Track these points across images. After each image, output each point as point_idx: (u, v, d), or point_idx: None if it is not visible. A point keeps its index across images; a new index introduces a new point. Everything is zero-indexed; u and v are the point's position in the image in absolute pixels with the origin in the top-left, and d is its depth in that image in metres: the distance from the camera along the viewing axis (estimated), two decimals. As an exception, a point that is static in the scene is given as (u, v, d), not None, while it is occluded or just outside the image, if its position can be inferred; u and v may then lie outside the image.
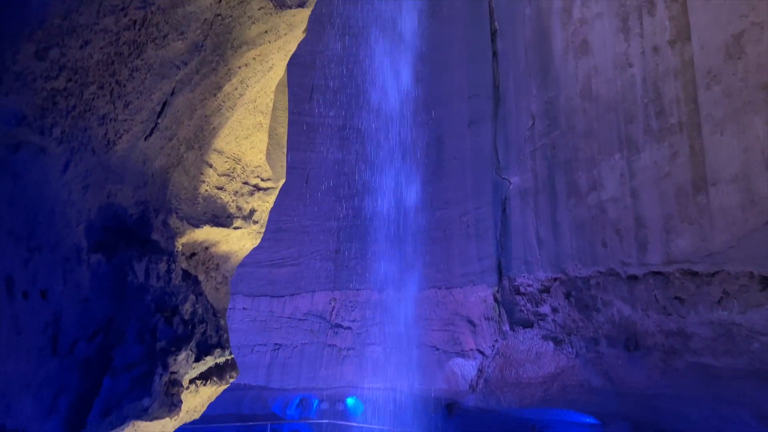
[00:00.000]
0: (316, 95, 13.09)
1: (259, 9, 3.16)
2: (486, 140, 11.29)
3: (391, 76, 12.98)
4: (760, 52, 7.35)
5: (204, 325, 3.45)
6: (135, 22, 2.37)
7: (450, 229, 11.22)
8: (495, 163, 11.03)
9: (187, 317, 3.30)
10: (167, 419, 3.23)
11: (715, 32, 7.93)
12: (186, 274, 3.43)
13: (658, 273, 8.29)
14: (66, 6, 2.00)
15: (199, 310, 3.45)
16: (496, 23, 12.10)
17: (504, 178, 10.76)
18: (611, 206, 9.02)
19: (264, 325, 11.48)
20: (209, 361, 3.79)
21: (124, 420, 2.97)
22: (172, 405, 3.23)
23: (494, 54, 11.89)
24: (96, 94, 2.44)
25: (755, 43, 7.44)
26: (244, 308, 11.47)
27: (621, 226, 8.86)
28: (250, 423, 11.74)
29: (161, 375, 3.15)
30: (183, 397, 3.47)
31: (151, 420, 3.13)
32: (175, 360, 3.25)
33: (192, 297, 3.41)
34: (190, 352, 3.41)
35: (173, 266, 3.33)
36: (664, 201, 8.29)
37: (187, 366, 3.42)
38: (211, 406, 4.82)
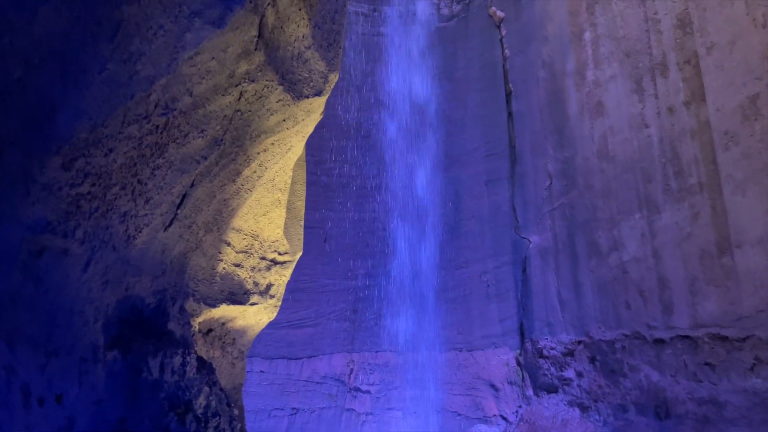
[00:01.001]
0: (334, 155, 13.32)
1: (277, 101, 3.26)
2: (503, 199, 11.30)
3: (409, 136, 13.20)
4: (777, 112, 7.35)
5: (217, 418, 3.40)
6: (157, 126, 2.46)
7: (470, 289, 11.09)
8: (514, 222, 10.99)
9: (200, 412, 3.28)
10: None
11: (730, 94, 7.96)
12: (201, 363, 3.41)
13: (686, 337, 8.04)
14: (92, 122, 2.09)
15: (213, 403, 3.43)
16: (510, 85, 12.33)
17: (523, 237, 10.69)
18: (633, 267, 8.87)
19: (281, 388, 11.30)
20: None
21: None
22: None
23: (509, 114, 12.06)
24: (118, 194, 2.51)
25: (772, 105, 7.44)
26: (261, 371, 11.32)
27: (644, 287, 8.68)
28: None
29: (174, 479, 3.10)
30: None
31: None
32: (188, 462, 3.21)
33: (206, 389, 3.39)
34: (203, 449, 3.38)
35: (188, 359, 3.31)
36: (687, 262, 8.13)
37: (198, 463, 3.36)
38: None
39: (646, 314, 8.57)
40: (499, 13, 13.38)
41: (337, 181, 13.02)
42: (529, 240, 10.54)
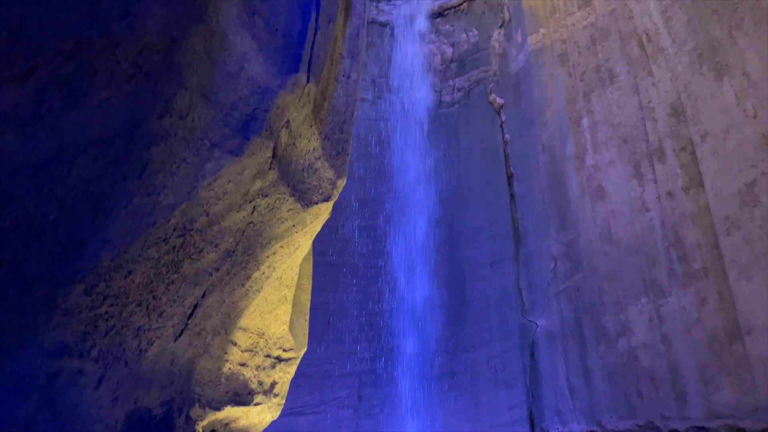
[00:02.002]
0: (339, 235, 13.46)
1: (288, 211, 3.40)
2: (509, 281, 11.30)
3: (413, 216, 13.39)
4: (775, 200, 7.47)
5: None
6: (174, 246, 2.58)
7: (477, 375, 10.88)
8: (520, 305, 10.93)
9: None
10: None
11: (727, 180, 8.14)
12: None
13: (702, 428, 7.79)
14: (116, 251, 2.19)
15: None
16: (511, 168, 12.64)
17: (530, 321, 10.60)
18: (643, 353, 8.73)
19: None
20: None
21: None
22: None
23: (512, 196, 12.28)
24: (133, 311, 2.59)
25: (769, 192, 7.59)
26: None
27: (656, 375, 8.50)
28: None
29: None
30: None
31: None
32: None
33: None
34: None
35: None
36: (698, 349, 8.02)
37: None
38: None
39: (660, 403, 8.35)
40: (499, 100, 13.93)
41: (340, 260, 13.09)
42: (536, 323, 10.45)
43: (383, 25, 16.46)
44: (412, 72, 15.96)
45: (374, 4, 15.97)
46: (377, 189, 13.90)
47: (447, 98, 15.44)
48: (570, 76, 11.87)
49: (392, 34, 16.55)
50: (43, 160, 1.68)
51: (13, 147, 1.57)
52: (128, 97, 1.85)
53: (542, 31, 12.55)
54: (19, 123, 1.52)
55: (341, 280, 13.01)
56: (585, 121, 11.11)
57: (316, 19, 3.10)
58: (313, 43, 3.05)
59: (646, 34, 10.36)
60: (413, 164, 14.02)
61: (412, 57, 16.13)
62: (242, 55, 2.46)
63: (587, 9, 11.95)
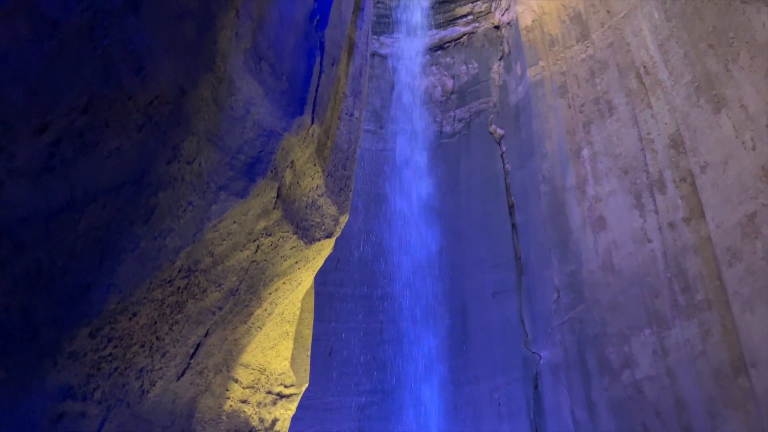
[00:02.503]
0: (341, 265, 13.43)
1: (291, 248, 3.44)
2: (511, 311, 11.24)
3: (415, 246, 13.38)
4: (776, 232, 7.49)
5: None
6: (179, 288, 2.60)
7: (480, 408, 10.73)
8: (523, 336, 10.86)
9: None
10: None
11: (728, 211, 8.17)
12: None
13: (710, 464, 7.66)
14: (122, 294, 2.22)
15: None
16: (512, 197, 12.70)
17: (533, 352, 10.51)
18: (648, 386, 8.64)
19: None
20: None
21: None
22: None
23: (513, 226, 12.31)
24: (137, 352, 2.60)
25: (770, 224, 7.60)
26: None
27: (661, 408, 8.40)
28: None
29: None
30: None
31: None
32: None
33: None
34: None
35: None
36: (703, 382, 7.94)
37: None
38: None
39: (666, 437, 8.23)
40: (499, 131, 14.07)
41: (342, 291, 13.04)
42: (539, 355, 10.36)
43: (384, 57, 16.72)
44: (413, 103, 16.15)
45: (376, 37, 16.26)
46: (378, 218, 13.94)
47: (448, 129, 15.59)
48: (569, 108, 12.00)
49: (393, 66, 16.79)
50: (54, 208, 1.72)
51: (25, 197, 1.61)
52: (138, 146, 1.90)
53: (541, 63, 12.74)
54: (32, 174, 1.57)
55: (342, 310, 12.95)
56: (585, 152, 11.21)
57: (321, 63, 3.19)
58: (317, 85, 3.13)
59: (644, 67, 10.52)
60: (415, 193, 14.09)
61: (413, 88, 16.34)
62: (248, 99, 2.53)
63: (585, 42, 12.15)
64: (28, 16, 1.26)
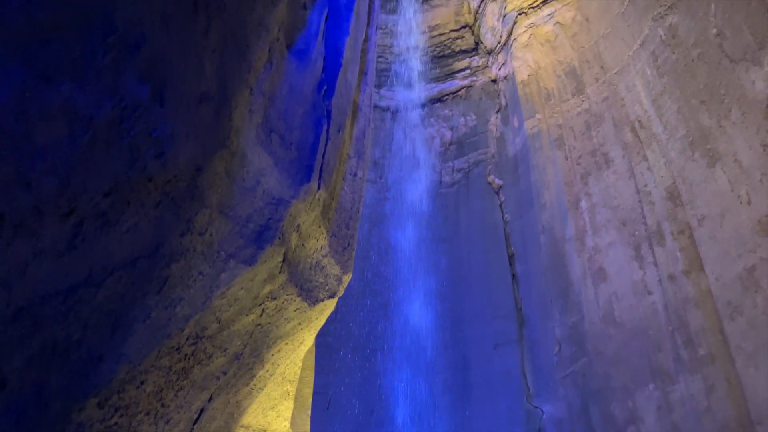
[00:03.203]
0: (339, 316, 13.35)
1: (294, 310, 3.48)
2: (513, 364, 11.12)
3: (415, 295, 13.34)
4: (775, 286, 7.51)
5: None
6: (186, 354, 2.63)
7: (483, 465, 10.47)
8: (525, 390, 10.70)
9: None
10: None
11: (727, 264, 8.21)
12: None
13: None
14: (132, 364, 2.25)
15: None
16: (512, 247, 12.76)
17: (536, 407, 10.34)
18: (654, 442, 8.48)
19: None
20: None
21: None
22: None
23: (513, 276, 12.31)
24: (142, 420, 2.59)
25: (769, 278, 7.63)
26: None
27: (668, 466, 8.22)
28: None
29: None
30: None
31: None
32: None
33: None
34: None
35: None
36: (710, 439, 7.80)
37: None
38: None
39: (674, 497, 8.02)
40: (498, 181, 14.27)
41: (338, 342, 12.91)
42: (542, 410, 10.19)
43: (385, 109, 17.10)
44: (413, 154, 16.41)
45: (376, 90, 16.68)
46: (378, 269, 13.95)
47: (447, 179, 15.79)
48: (567, 160, 12.22)
49: (393, 118, 17.15)
50: (73, 285, 1.78)
51: (47, 276, 1.68)
52: (154, 221, 1.98)
53: (538, 116, 13.04)
54: (56, 254, 1.64)
55: (340, 361, 12.79)
56: (583, 204, 11.34)
57: (327, 131, 3.32)
58: (324, 152, 3.25)
59: (639, 121, 10.77)
60: (415, 242, 14.15)
61: (413, 139, 16.63)
62: (259, 170, 2.63)
63: (581, 96, 12.47)
64: (66, 116, 1.36)
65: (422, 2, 16.86)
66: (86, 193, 1.53)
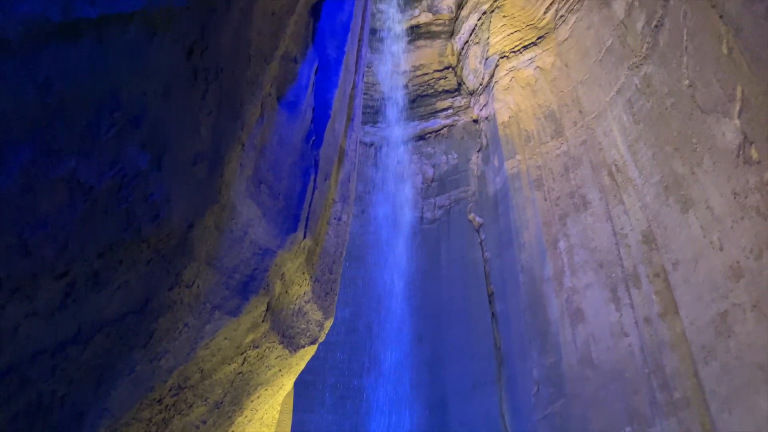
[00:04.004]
0: (315, 353, 13.18)
1: (276, 358, 3.49)
2: (492, 404, 11.08)
3: (394, 331, 13.28)
4: (747, 332, 7.66)
5: None
6: (167, 405, 2.62)
7: None
8: (503, 431, 10.64)
9: None
10: None
11: (701, 308, 8.37)
12: None
13: None
14: (114, 418, 2.25)
15: None
16: (492, 285, 12.85)
17: (514, 449, 10.28)
18: (631, 487, 8.47)
19: None
20: None
21: None
22: None
23: (493, 315, 12.37)
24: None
25: (741, 323, 7.79)
26: None
27: None
28: None
29: None
30: None
31: None
32: None
33: None
34: None
35: None
36: (686, 484, 7.82)
37: None
38: None
39: None
40: (478, 219, 14.44)
41: (315, 378, 12.73)
42: (520, 452, 10.13)
43: (368, 145, 17.30)
44: (395, 189, 16.55)
45: (361, 126, 16.86)
46: (358, 303, 13.90)
47: (428, 215, 15.92)
48: (546, 200, 12.44)
49: (376, 154, 17.34)
50: (62, 342, 1.79)
51: (37, 335, 1.69)
52: (145, 277, 2.01)
53: (518, 157, 13.30)
54: (47, 314, 1.66)
55: (316, 400, 12.60)
56: (562, 244, 11.52)
57: (315, 180, 3.39)
58: (311, 202, 3.31)
59: (615, 165, 11.06)
60: (395, 278, 14.16)
61: (395, 175, 16.79)
62: (247, 221, 2.68)
63: (559, 139, 12.78)
64: (69, 186, 1.41)
65: (407, 42, 17.25)
66: (81, 255, 1.57)
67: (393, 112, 16.71)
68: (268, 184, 2.90)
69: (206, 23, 1.98)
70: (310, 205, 3.30)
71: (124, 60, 1.56)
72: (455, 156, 16.06)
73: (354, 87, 4.89)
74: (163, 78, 1.68)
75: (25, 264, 1.41)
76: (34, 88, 1.24)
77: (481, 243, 14.11)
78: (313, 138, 3.46)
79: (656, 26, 10.04)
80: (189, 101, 1.88)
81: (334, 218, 4.38)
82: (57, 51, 1.39)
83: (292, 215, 3.10)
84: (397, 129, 16.80)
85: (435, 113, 16.61)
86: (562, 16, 12.68)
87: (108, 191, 1.57)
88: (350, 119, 4.81)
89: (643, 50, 10.33)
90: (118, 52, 1.54)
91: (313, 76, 3.46)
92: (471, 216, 14.76)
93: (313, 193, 3.35)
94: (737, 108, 7.98)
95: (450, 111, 16.51)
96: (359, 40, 4.99)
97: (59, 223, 1.43)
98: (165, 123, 1.72)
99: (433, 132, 16.66)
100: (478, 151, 15.49)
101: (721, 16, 7.84)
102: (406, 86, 16.73)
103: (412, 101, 16.89)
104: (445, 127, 16.62)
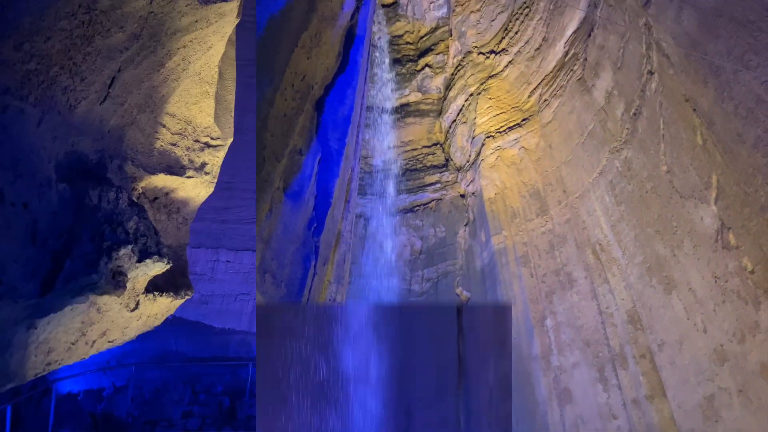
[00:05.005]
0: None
1: (186, 5, 4.12)
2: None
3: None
4: (734, 417, 7.62)
5: (145, 238, 4.40)
6: (83, 22, 3.39)
7: None
8: None
9: (130, 231, 4.31)
10: (117, 301, 4.27)
11: (688, 391, 8.34)
12: (132, 203, 4.38)
13: None
14: (32, 17, 2.94)
15: (141, 228, 4.41)
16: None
17: None
18: None
19: (246, 276, 12.85)
20: (151, 266, 4.51)
21: (81, 290, 3.96)
22: (118, 286, 4.23)
23: (480, 392, 12.19)
24: (58, 72, 3.39)
25: (728, 408, 7.75)
26: (227, 261, 12.85)
27: None
28: (235, 363, 13.74)
29: (107, 263, 4.17)
30: (140, 300, 4.62)
31: (101, 294, 4.10)
32: (117, 255, 4.21)
33: (135, 218, 4.37)
34: (131, 253, 4.33)
35: (121, 195, 4.30)
36: None
37: (129, 262, 4.32)
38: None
39: None
40: (466, 293, 14.48)
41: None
42: None
43: (358, 216, 17.52)
44: (384, 260, 16.64)
45: (350, 198, 17.12)
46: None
47: (416, 287, 15.92)
48: (532, 277, 12.55)
49: (365, 225, 17.53)
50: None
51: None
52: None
53: (504, 233, 13.52)
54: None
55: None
56: (548, 322, 11.55)
57: (315, 266, 3.55)
58: (310, 288, 3.47)
59: (599, 245, 11.27)
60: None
61: (384, 246, 16.92)
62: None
63: (544, 217, 13.04)
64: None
65: (397, 119, 17.84)
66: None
67: (383, 185, 17.04)
68: (272, 273, 3.06)
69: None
70: (309, 291, 3.43)
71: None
72: (443, 229, 16.26)
73: (351, 171, 5.14)
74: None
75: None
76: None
77: (468, 317, 14.06)
78: (315, 225, 3.67)
79: (634, 114, 10.52)
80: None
81: (329, 299, 4.50)
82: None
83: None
84: (386, 201, 17.07)
85: (423, 187, 16.96)
86: (545, 100, 13.26)
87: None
88: (347, 201, 5.03)
89: (623, 136, 10.77)
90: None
91: (316, 167, 3.74)
92: (458, 290, 14.80)
93: (312, 279, 3.51)
94: (713, 195, 8.26)
95: (438, 185, 16.89)
96: (357, 126, 5.33)
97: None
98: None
99: (421, 205, 16.96)
100: (465, 225, 15.73)
101: (694, 110, 8.29)
102: (396, 161, 17.17)
103: (402, 175, 17.27)
104: (433, 200, 16.94)
